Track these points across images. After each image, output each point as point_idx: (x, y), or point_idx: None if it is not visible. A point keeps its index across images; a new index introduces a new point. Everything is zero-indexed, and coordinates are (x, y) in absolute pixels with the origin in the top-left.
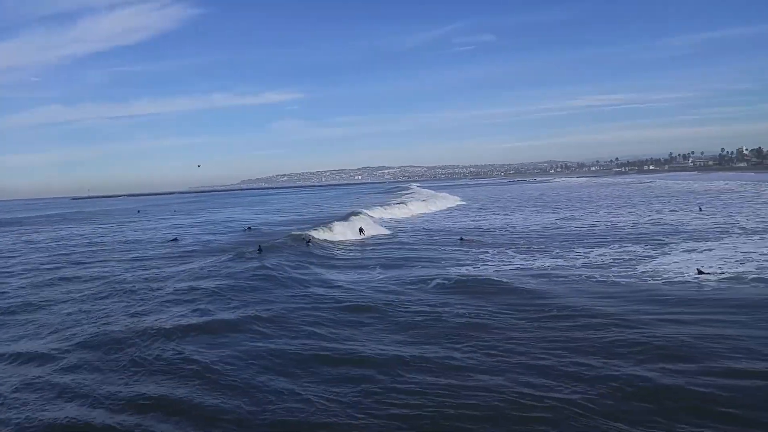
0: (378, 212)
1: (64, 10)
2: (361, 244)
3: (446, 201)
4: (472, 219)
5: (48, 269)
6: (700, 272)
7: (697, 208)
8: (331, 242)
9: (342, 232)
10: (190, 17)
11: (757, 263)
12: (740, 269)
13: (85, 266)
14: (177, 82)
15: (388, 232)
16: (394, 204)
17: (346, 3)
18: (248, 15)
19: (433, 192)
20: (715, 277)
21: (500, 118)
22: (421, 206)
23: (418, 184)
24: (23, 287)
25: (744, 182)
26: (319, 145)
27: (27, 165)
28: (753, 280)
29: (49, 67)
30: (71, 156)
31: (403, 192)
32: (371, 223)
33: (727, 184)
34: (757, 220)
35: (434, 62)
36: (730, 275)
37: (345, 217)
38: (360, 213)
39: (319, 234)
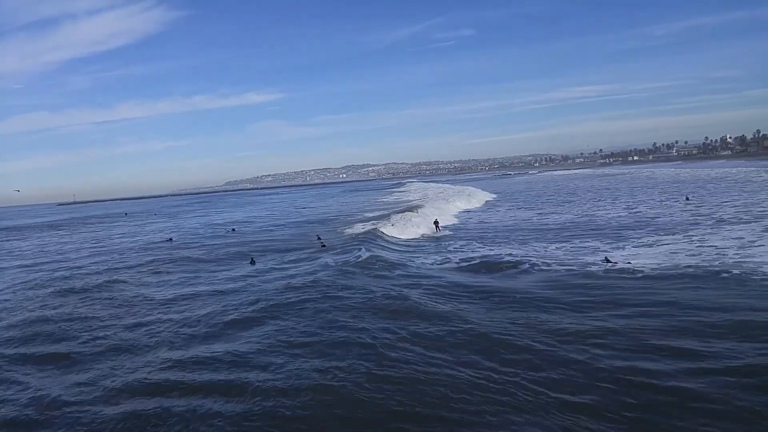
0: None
1: (44, 17)
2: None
3: (480, 196)
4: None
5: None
6: (608, 260)
7: (684, 198)
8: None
9: (414, 226)
10: (171, 20)
11: (699, 257)
12: (673, 262)
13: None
14: (159, 86)
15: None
16: (440, 201)
17: (324, 2)
18: (228, 17)
19: (449, 186)
20: (620, 266)
21: (482, 112)
22: (462, 202)
23: (416, 180)
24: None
25: (734, 170)
26: (301, 145)
27: (12, 172)
28: (666, 269)
29: (31, 75)
30: (57, 162)
31: (404, 189)
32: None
33: (716, 172)
34: (740, 210)
35: (415, 58)
36: (641, 265)
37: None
38: (423, 207)
39: (390, 230)
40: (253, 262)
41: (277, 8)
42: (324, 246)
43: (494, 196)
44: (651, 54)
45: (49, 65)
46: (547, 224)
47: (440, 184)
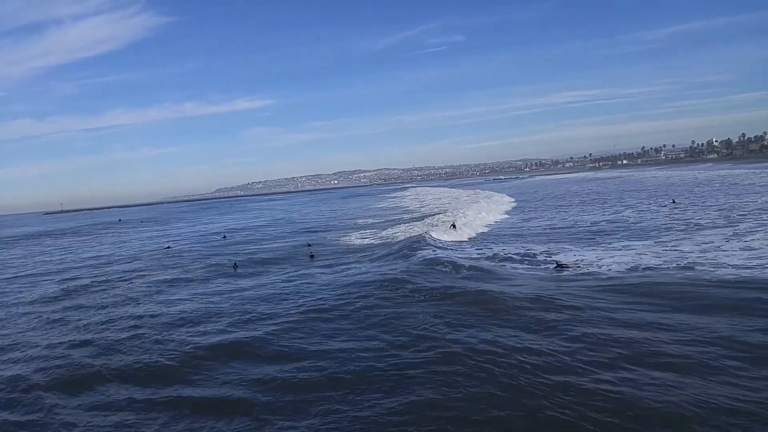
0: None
1: (29, 23)
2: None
3: (502, 199)
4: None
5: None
6: (559, 265)
7: (671, 201)
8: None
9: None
10: (159, 26)
11: (660, 259)
12: (633, 264)
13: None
14: (148, 92)
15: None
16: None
17: (314, 8)
18: (217, 23)
19: (450, 189)
20: (569, 271)
21: (473, 117)
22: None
23: (414, 185)
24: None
25: (722, 172)
26: (293, 151)
27: None
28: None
29: (16, 81)
30: (43, 170)
31: (408, 194)
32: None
33: (705, 175)
34: (721, 213)
35: (406, 64)
36: (591, 270)
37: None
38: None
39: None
40: (235, 267)
41: (267, 14)
42: (312, 256)
43: (514, 199)
44: (638, 59)
45: (35, 71)
46: (599, 226)
47: (445, 188)
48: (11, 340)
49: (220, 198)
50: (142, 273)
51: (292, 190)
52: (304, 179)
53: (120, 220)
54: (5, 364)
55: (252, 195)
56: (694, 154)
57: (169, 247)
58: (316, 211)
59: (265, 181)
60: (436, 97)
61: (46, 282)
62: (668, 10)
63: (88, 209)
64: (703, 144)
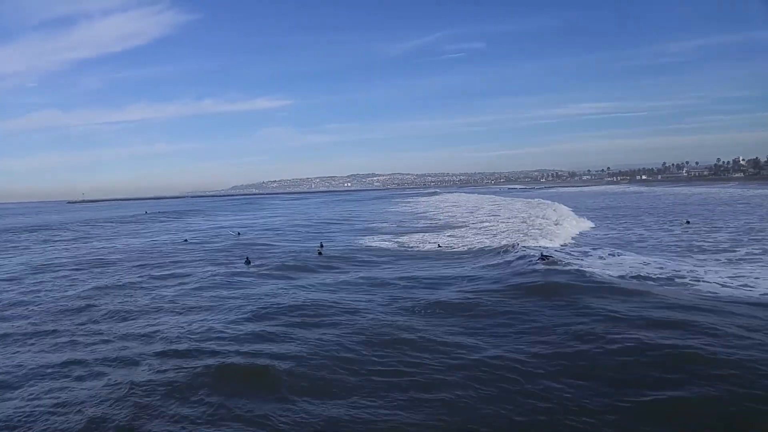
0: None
1: (60, 16)
2: None
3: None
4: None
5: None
6: (543, 256)
7: (685, 221)
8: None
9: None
10: (184, 23)
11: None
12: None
13: None
14: (169, 88)
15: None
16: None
17: (336, 10)
18: (240, 21)
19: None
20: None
21: (490, 125)
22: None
23: (439, 190)
24: None
25: (749, 192)
26: (307, 152)
27: (23, 169)
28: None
29: (46, 73)
30: (66, 160)
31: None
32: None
33: (728, 194)
34: (732, 236)
35: (425, 69)
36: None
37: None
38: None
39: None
40: (248, 262)
41: (289, 15)
42: (320, 254)
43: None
44: (663, 72)
45: (64, 64)
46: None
47: (481, 196)
48: None
49: (236, 195)
50: (158, 265)
51: (306, 190)
52: (318, 180)
53: (146, 212)
54: None
55: (267, 194)
56: (719, 172)
57: (186, 240)
58: (340, 217)
59: (279, 181)
60: (453, 103)
61: (56, 277)
62: (696, 23)
63: (108, 200)
64: (728, 162)
